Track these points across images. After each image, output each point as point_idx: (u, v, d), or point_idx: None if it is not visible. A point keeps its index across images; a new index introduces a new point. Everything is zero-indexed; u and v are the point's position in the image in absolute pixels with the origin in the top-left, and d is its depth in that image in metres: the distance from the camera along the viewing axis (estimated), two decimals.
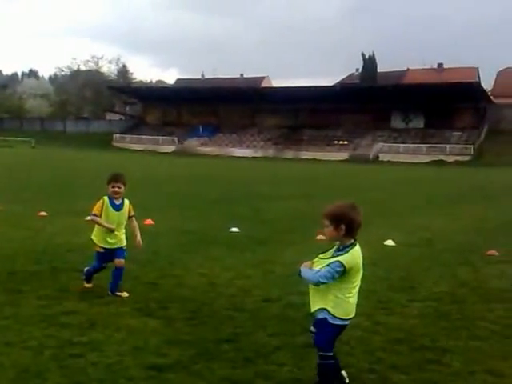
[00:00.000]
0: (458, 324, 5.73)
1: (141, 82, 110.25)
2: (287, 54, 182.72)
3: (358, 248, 3.90)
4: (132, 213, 6.45)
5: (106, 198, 6.29)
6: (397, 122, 70.52)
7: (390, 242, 10.32)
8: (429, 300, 6.55)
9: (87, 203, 14.48)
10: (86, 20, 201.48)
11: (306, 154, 66.11)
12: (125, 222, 6.40)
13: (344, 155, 64.87)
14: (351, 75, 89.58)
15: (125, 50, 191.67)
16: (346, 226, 3.81)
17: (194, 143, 75.47)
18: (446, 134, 65.12)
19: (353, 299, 3.93)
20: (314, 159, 62.55)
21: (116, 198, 6.29)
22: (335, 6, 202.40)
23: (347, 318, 3.93)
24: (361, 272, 3.94)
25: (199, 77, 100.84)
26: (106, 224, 6.24)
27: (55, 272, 7.32)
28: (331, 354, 3.94)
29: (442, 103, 64.40)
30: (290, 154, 67.77)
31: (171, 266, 7.99)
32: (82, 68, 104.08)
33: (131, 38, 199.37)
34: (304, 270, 3.92)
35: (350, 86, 76.98)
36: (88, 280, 6.62)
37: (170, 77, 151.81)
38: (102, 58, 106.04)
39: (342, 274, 3.79)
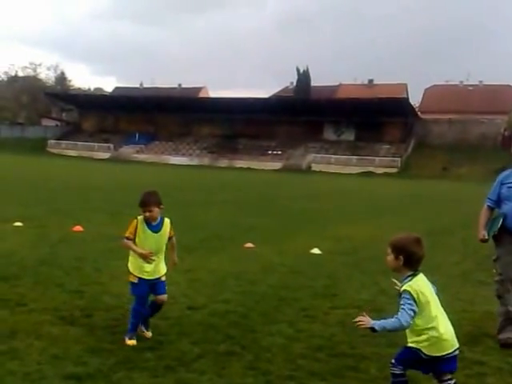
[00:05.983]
0: None
1: (79, 89, 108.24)
2: (225, 66, 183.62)
3: (421, 277, 3.88)
4: (172, 233, 5.46)
5: (140, 217, 5.31)
6: (329, 134, 71.89)
7: (315, 251, 10.45)
8: (350, 307, 6.63)
9: (17, 209, 14.23)
10: (26, 27, 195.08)
11: (240, 163, 66.38)
12: (164, 246, 5.42)
13: (278, 165, 65.56)
14: (286, 88, 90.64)
15: (65, 57, 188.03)
16: (405, 258, 3.85)
17: (129, 150, 74.50)
18: (376, 147, 66.89)
19: (446, 335, 3.82)
20: (249, 168, 62.88)
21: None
22: (272, 19, 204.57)
23: (444, 353, 3.83)
24: (434, 300, 3.86)
25: (138, 86, 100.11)
26: (139, 250, 5.22)
27: None
28: (401, 371, 3.90)
29: (372, 117, 66.11)
30: (224, 162, 67.92)
31: (97, 272, 7.87)
32: (20, 74, 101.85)
33: (71, 45, 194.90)
34: (376, 323, 3.83)
35: (284, 99, 77.89)
36: (132, 332, 5.22)
37: (108, 85, 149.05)
38: (40, 64, 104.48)
39: (415, 301, 3.74)
